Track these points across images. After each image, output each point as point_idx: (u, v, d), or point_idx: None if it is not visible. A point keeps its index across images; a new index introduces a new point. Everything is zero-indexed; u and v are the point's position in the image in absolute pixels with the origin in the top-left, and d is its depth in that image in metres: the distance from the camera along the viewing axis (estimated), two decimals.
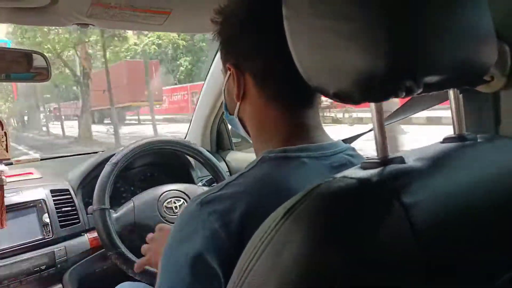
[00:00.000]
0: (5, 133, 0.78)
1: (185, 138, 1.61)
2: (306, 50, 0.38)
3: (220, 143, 1.67)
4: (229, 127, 1.68)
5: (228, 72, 0.59)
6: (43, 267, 1.14)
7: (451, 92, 0.44)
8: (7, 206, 1.13)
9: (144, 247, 0.99)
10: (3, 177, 0.86)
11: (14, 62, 0.92)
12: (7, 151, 0.79)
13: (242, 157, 1.59)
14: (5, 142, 0.78)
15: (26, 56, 0.93)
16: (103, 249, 1.20)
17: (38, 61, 0.92)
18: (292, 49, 0.39)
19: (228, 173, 1.45)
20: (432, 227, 0.30)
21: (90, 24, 0.84)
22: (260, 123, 0.59)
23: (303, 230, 0.31)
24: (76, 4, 0.76)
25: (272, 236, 0.33)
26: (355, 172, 0.34)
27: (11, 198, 1.16)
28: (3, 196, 0.91)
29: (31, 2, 0.75)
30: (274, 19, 0.42)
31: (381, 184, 0.32)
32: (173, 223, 1.10)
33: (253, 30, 0.56)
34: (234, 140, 1.69)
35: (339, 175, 0.34)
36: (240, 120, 0.62)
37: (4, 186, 0.90)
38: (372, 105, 0.36)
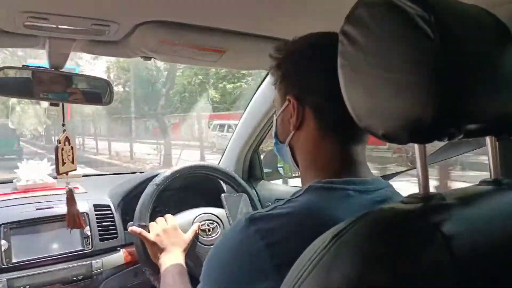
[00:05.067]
0: (71, 147, 0.88)
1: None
2: (358, 95, 0.42)
3: (252, 173, 1.72)
4: (261, 157, 1.73)
5: (286, 103, 0.63)
6: (80, 277, 1.18)
7: (488, 139, 0.47)
8: (54, 216, 1.22)
9: (154, 225, 1.06)
10: (71, 187, 0.94)
11: (80, 85, 1.03)
12: (73, 163, 0.88)
13: (272, 187, 1.63)
14: (71, 156, 0.88)
15: (91, 81, 1.04)
16: (137, 265, 1.25)
17: (102, 87, 1.02)
18: (344, 93, 0.43)
19: (258, 202, 1.49)
20: (471, 257, 0.33)
21: (153, 57, 0.95)
22: (312, 154, 0.62)
23: (352, 252, 0.34)
24: (145, 40, 0.85)
25: (321, 256, 0.36)
26: (400, 205, 0.38)
27: (57, 209, 1.22)
28: (75, 203, 1.00)
29: (107, 37, 0.85)
30: (334, 59, 0.46)
31: (424, 216, 0.35)
32: (206, 245, 1.15)
33: (319, 67, 0.60)
34: (265, 170, 1.74)
35: (386, 206, 0.38)
36: (291, 149, 0.65)
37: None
38: (416, 145, 0.39)
